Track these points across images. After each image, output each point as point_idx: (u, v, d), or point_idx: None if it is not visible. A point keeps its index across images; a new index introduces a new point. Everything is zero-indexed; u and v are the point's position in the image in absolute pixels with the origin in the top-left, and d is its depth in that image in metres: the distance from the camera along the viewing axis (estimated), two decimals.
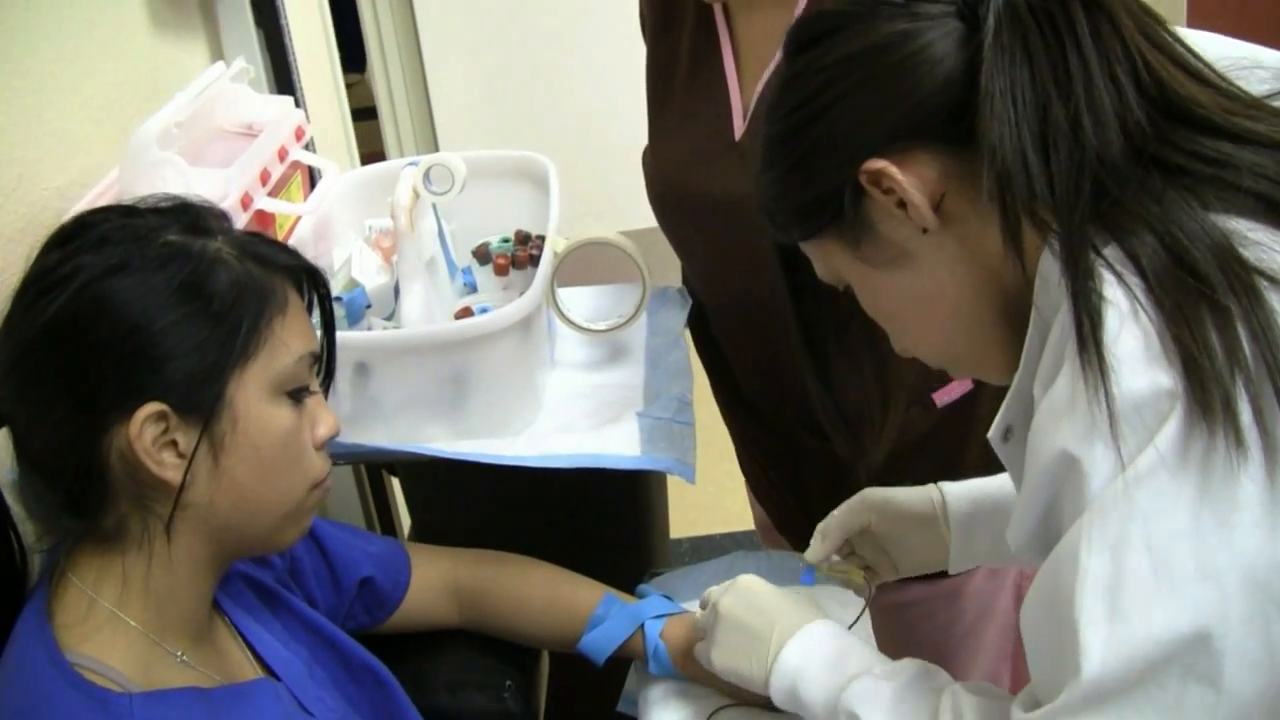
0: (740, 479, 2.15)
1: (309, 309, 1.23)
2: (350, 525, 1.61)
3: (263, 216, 1.64)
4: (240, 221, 1.52)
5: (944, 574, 1.54)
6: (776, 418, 1.83)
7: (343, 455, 1.66)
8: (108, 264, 1.08)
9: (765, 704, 1.47)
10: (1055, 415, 0.91)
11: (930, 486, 1.44)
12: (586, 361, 1.86)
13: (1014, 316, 1.04)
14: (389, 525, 2.73)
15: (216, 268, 1.11)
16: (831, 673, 1.23)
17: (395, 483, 2.65)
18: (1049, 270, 0.96)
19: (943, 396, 1.72)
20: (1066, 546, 0.89)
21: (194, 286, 1.09)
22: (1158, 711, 0.85)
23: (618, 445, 1.60)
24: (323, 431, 1.20)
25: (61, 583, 1.12)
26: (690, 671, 1.49)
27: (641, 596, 1.58)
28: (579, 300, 1.83)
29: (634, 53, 1.81)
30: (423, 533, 2.12)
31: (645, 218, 1.78)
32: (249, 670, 1.25)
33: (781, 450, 1.87)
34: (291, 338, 1.15)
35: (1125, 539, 0.85)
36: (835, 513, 1.46)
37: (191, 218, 1.16)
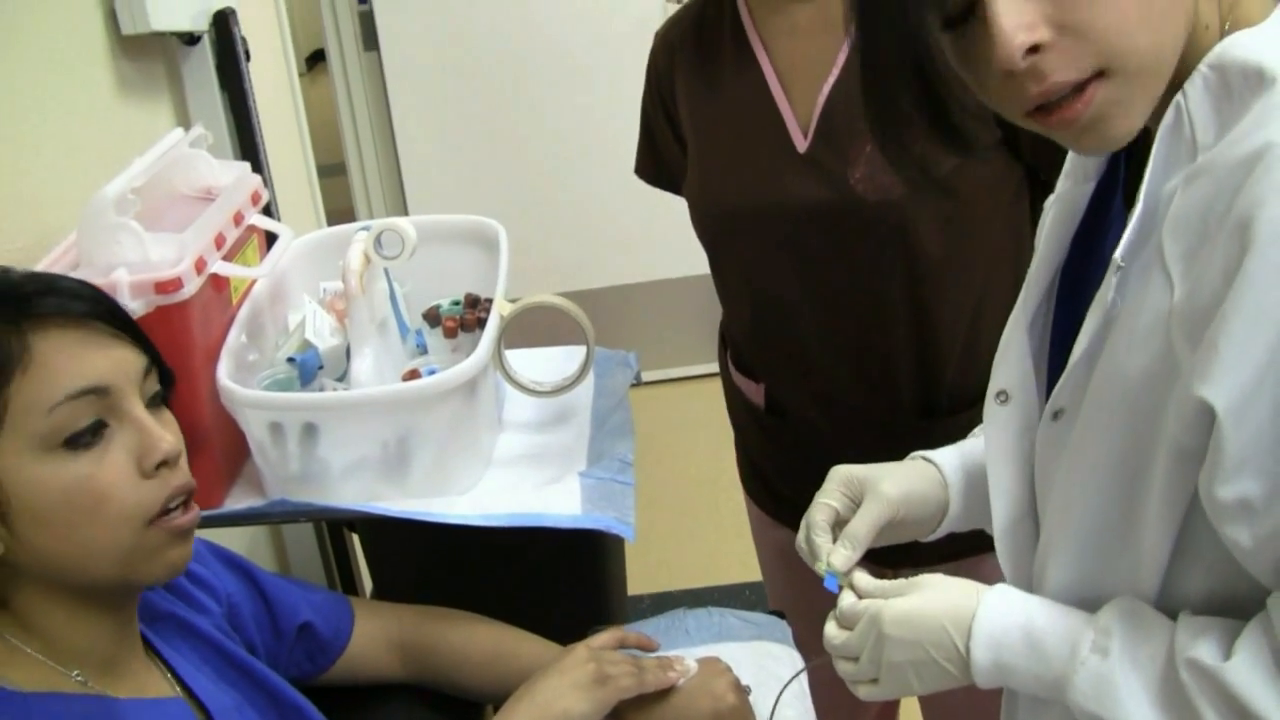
0: (702, 535, 2.18)
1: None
2: (297, 579, 1.64)
3: (217, 280, 1.67)
4: (194, 285, 1.56)
5: (952, 558, 1.61)
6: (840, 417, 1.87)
7: (291, 513, 1.69)
8: None
9: None
10: None
11: (921, 463, 1.43)
12: (534, 422, 1.89)
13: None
14: (350, 583, 2.75)
15: None
16: (1036, 663, 1.13)
17: (357, 541, 2.68)
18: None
19: None
20: None
21: None
22: None
23: (559, 504, 1.62)
24: (155, 457, 1.15)
25: None
26: None
27: None
28: (527, 362, 1.86)
29: (598, 120, 1.86)
30: (383, 590, 2.14)
31: (606, 278, 1.80)
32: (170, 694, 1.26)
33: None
34: (42, 391, 1.10)
35: None
36: (859, 516, 1.35)
37: None
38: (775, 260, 1.80)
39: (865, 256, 1.73)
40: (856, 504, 1.38)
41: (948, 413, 1.82)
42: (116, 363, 1.16)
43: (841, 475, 1.40)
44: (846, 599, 1.28)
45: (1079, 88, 0.98)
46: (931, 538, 1.44)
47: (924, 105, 1.07)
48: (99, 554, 1.13)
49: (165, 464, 1.16)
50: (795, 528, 1.96)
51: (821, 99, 1.72)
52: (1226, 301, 0.90)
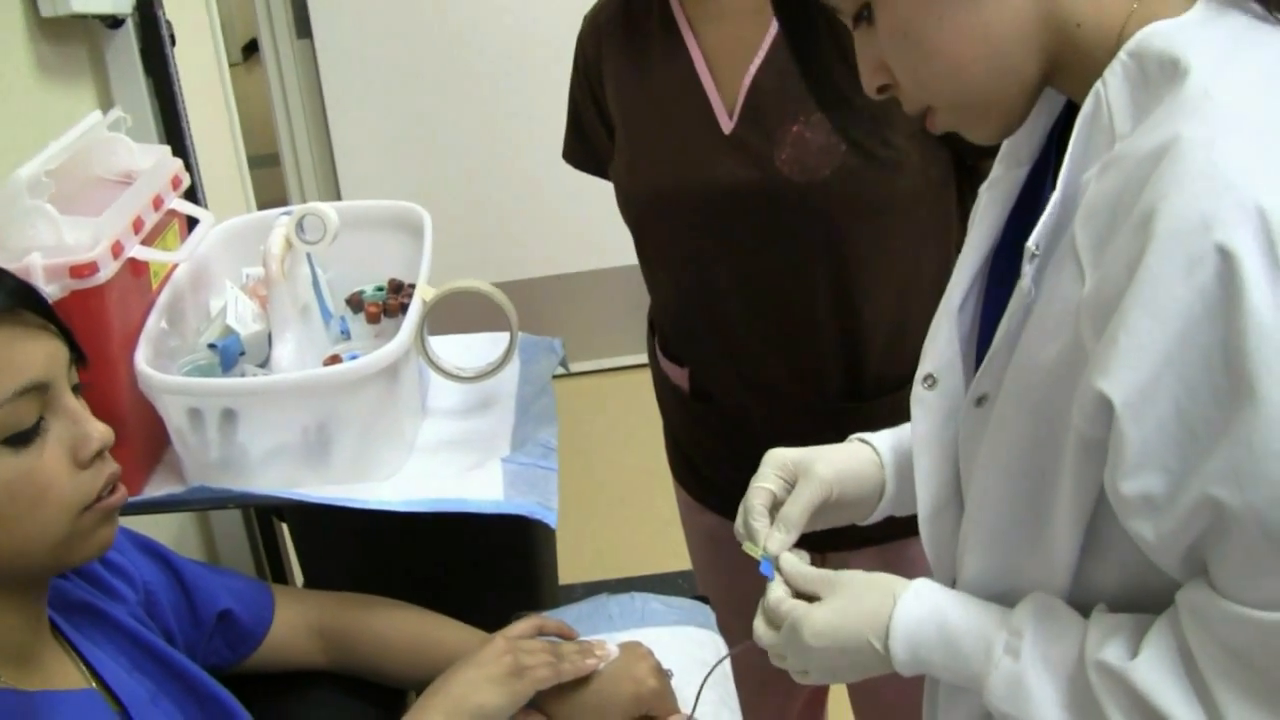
0: (635, 524, 2.19)
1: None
2: (218, 566, 1.63)
3: (136, 265, 1.66)
4: (110, 269, 1.54)
5: (881, 541, 1.58)
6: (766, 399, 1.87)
7: (210, 500, 1.68)
8: None
9: None
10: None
11: (857, 445, 1.43)
12: (458, 408, 1.88)
13: (1044, 81, 1.07)
14: (280, 573, 2.74)
15: None
16: (953, 660, 1.14)
17: (287, 530, 2.66)
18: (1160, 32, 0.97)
19: None
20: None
21: None
22: None
23: (481, 490, 1.62)
24: (91, 447, 1.18)
25: None
26: (555, 713, 1.52)
27: None
28: (451, 348, 1.86)
29: (533, 109, 1.86)
30: (313, 580, 2.13)
31: (538, 269, 1.79)
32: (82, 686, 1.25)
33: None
34: None
35: None
36: (793, 500, 1.35)
37: None
38: (701, 242, 1.81)
39: (790, 238, 1.74)
40: (793, 486, 1.38)
41: (874, 395, 1.83)
42: (50, 355, 1.17)
43: (777, 458, 1.40)
44: (776, 591, 1.28)
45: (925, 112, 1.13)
46: (870, 520, 1.44)
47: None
48: (35, 544, 1.15)
49: (99, 454, 1.18)
50: (723, 513, 1.98)
51: (748, 80, 1.73)
52: (1127, 295, 0.90)
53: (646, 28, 1.83)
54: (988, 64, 1.04)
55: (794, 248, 1.74)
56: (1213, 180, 0.87)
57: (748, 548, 1.34)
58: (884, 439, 1.43)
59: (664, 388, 2.07)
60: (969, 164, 1.75)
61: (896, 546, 1.85)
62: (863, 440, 1.44)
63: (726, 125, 1.74)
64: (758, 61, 1.72)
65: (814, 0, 1.14)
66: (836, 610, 1.21)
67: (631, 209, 1.89)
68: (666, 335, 2.02)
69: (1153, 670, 0.99)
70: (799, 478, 1.37)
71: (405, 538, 1.77)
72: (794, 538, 1.32)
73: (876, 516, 1.43)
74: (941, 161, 1.75)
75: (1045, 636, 1.08)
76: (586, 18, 1.95)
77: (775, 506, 1.37)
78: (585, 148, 2.01)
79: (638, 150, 1.85)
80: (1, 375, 1.11)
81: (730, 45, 1.76)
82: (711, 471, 2.04)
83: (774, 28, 1.70)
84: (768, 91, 1.71)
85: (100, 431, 1.20)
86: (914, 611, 1.17)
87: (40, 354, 1.15)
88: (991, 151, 1.23)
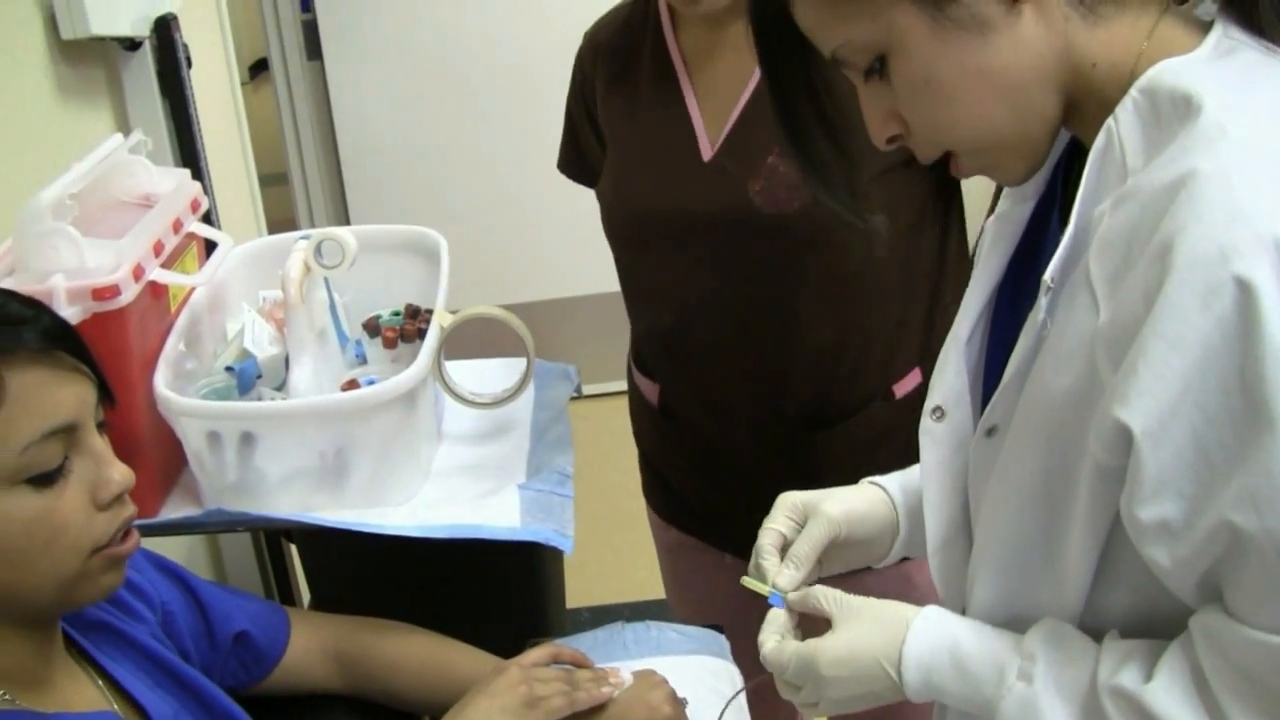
0: (640, 548, 2.18)
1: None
2: (233, 587, 1.63)
3: (155, 288, 1.66)
4: (132, 292, 1.55)
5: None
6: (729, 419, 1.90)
7: (227, 523, 1.68)
8: None
9: None
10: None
11: (867, 486, 1.43)
12: (473, 434, 1.89)
13: (1063, 120, 1.08)
14: (287, 594, 2.74)
15: None
16: (965, 685, 1.15)
17: (294, 551, 2.66)
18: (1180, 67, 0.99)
19: (901, 388, 1.85)
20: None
21: None
22: None
23: (497, 517, 1.62)
24: (112, 490, 1.17)
25: None
26: None
27: None
28: (467, 373, 1.86)
29: (540, 131, 1.88)
30: (321, 601, 2.13)
31: (548, 291, 1.81)
32: (103, 707, 1.26)
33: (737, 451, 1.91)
34: (14, 428, 1.10)
35: None
36: (803, 537, 1.36)
37: None
38: (674, 263, 1.85)
39: (758, 265, 1.78)
40: (803, 527, 1.39)
41: (837, 419, 1.86)
42: (79, 397, 1.16)
43: (787, 501, 1.41)
44: (770, 643, 1.29)
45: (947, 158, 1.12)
46: (886, 563, 1.45)
47: (823, 123, 1.18)
48: (46, 581, 1.14)
49: (117, 496, 1.18)
50: (685, 528, 2.02)
51: (736, 111, 1.77)
52: (1146, 325, 0.92)
53: (641, 54, 1.87)
54: (1009, 106, 1.05)
55: (761, 274, 1.78)
56: (1230, 212, 0.89)
57: (749, 583, 1.35)
58: (893, 481, 1.44)
59: (637, 402, 2.12)
60: (949, 193, 1.79)
61: (894, 568, 1.86)
62: (873, 482, 1.45)
63: (707, 152, 1.78)
64: (747, 94, 1.76)
65: (810, 61, 1.15)
66: (850, 637, 1.22)
67: (614, 227, 1.94)
68: (639, 348, 2.07)
69: (1167, 694, 1.00)
70: (809, 518, 1.38)
71: (413, 560, 1.78)
72: (803, 574, 1.33)
73: (892, 559, 1.44)
74: (916, 199, 1.77)
75: (1058, 661, 1.09)
76: (586, 35, 1.99)
77: (785, 547, 1.38)
78: (579, 158, 2.06)
79: (623, 170, 1.89)
80: (31, 417, 1.11)
81: (721, 77, 1.80)
82: (678, 485, 2.07)
83: None
84: (752, 123, 1.74)
85: (121, 474, 1.19)
86: (926, 637, 1.18)
87: (71, 397, 1.15)
88: None
